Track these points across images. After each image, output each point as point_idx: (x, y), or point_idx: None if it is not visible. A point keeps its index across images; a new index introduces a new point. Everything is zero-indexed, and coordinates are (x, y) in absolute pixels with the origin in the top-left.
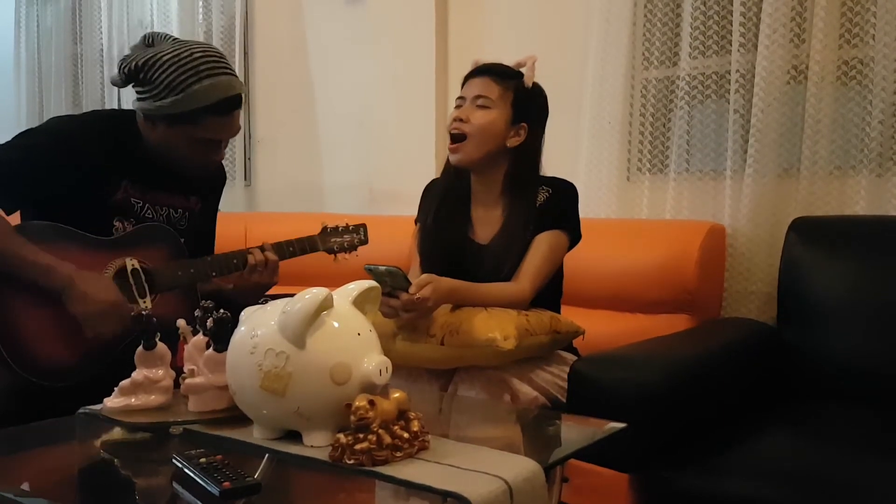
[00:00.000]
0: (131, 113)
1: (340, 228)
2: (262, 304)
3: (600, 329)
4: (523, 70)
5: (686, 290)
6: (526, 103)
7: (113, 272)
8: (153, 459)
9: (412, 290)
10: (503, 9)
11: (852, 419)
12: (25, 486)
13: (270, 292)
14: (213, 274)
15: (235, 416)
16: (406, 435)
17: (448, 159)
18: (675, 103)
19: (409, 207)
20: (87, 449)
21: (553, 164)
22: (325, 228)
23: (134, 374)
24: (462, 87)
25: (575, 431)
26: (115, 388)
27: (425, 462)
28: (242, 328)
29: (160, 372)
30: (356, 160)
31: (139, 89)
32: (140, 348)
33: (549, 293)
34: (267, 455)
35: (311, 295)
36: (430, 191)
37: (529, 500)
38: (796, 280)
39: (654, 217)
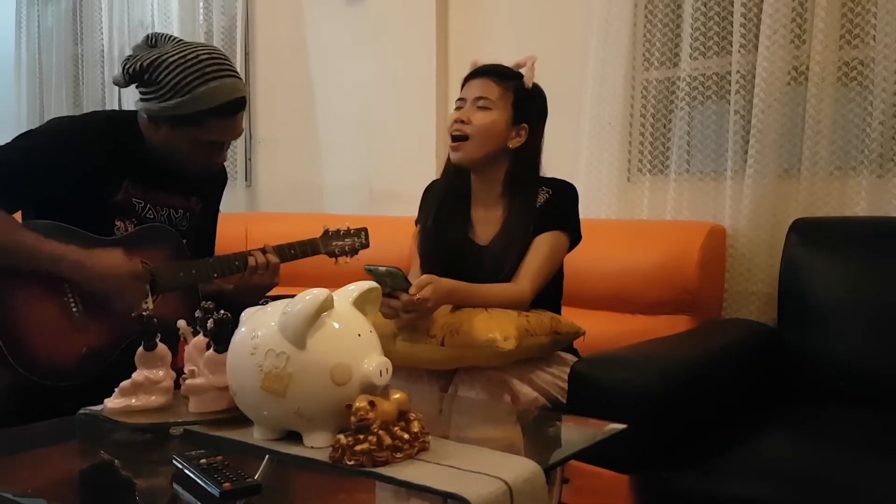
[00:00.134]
0: (132, 114)
1: (342, 232)
2: (262, 304)
3: (600, 330)
4: (523, 71)
5: (686, 291)
6: (526, 104)
7: None
8: (153, 460)
9: (412, 290)
10: (503, 9)
11: (852, 420)
12: (25, 488)
13: (271, 293)
14: (215, 275)
15: (236, 417)
16: (406, 436)
17: (448, 159)
18: (675, 104)
19: (410, 208)
20: (87, 449)
21: (553, 164)
22: (326, 231)
23: (134, 375)
24: (462, 89)
25: (575, 432)
26: (116, 389)
27: (425, 463)
28: (243, 329)
29: (161, 373)
30: (356, 160)
31: (143, 90)
32: (140, 349)
33: (550, 294)
34: (267, 456)
35: (312, 296)
36: (430, 192)
37: (530, 501)
38: (797, 281)
39: (654, 218)
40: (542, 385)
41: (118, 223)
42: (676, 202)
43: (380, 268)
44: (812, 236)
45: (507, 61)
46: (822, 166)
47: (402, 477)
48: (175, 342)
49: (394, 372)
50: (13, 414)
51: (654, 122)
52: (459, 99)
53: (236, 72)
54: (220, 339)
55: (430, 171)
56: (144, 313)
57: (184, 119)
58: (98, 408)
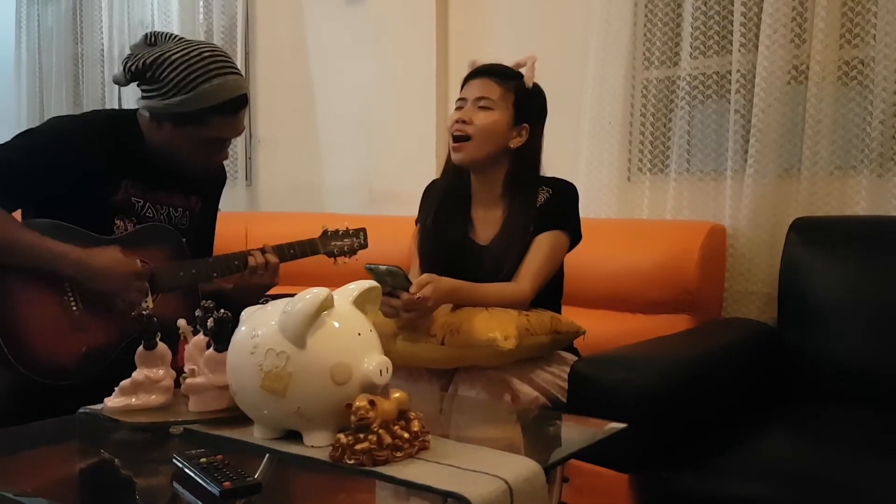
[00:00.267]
0: (132, 113)
1: (341, 232)
2: (262, 304)
3: (601, 329)
4: (523, 70)
5: (686, 291)
6: (527, 104)
7: None
8: (153, 459)
9: (413, 289)
10: (503, 9)
11: (852, 420)
12: (25, 487)
13: (271, 292)
14: (214, 275)
15: (236, 416)
16: (406, 435)
17: (448, 159)
18: (675, 103)
19: (409, 207)
20: (87, 449)
21: (553, 164)
22: (325, 232)
23: (134, 374)
24: (462, 89)
25: (575, 432)
26: (116, 388)
27: (426, 462)
28: (243, 328)
29: (161, 372)
30: (356, 160)
31: (146, 88)
32: (141, 348)
33: (550, 293)
34: (267, 455)
35: (312, 295)
36: (430, 191)
37: (530, 501)
38: (797, 280)
39: (654, 217)
40: (542, 384)
41: (118, 222)
42: (676, 202)
43: (380, 266)
44: (812, 236)
45: (507, 61)
46: (822, 166)
47: (403, 476)
48: (175, 341)
49: (394, 371)
50: (13, 413)
51: (655, 122)
52: (460, 99)
53: (238, 69)
54: (221, 338)
55: (430, 171)
56: (144, 312)
57: (187, 116)
58: (98, 407)
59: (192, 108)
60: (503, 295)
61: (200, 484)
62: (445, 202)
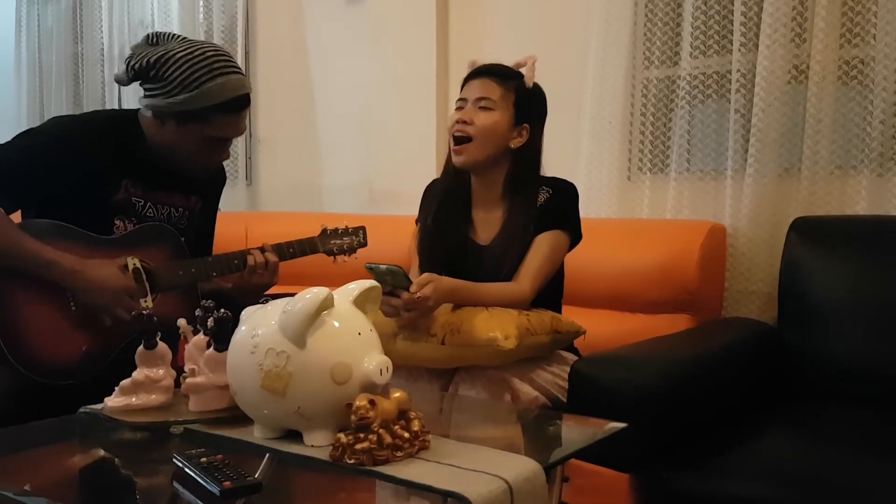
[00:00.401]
0: (132, 113)
1: (340, 231)
2: (262, 303)
3: (601, 329)
4: (523, 70)
5: (686, 290)
6: (527, 104)
7: None
8: (154, 459)
9: (413, 289)
10: (503, 9)
11: (853, 420)
12: (25, 486)
13: (271, 292)
14: (214, 274)
15: (236, 416)
16: (406, 434)
17: (448, 160)
18: (675, 103)
19: (409, 207)
20: (87, 448)
21: (553, 164)
22: (324, 230)
23: (135, 374)
24: (462, 89)
25: (575, 431)
26: (116, 388)
27: (426, 462)
28: (243, 328)
29: (161, 371)
30: (356, 160)
31: (149, 86)
32: (141, 348)
33: (550, 293)
34: (267, 455)
35: (312, 294)
36: (430, 191)
37: (530, 500)
38: (797, 280)
39: (654, 217)
40: (542, 384)
41: (118, 222)
42: (677, 201)
43: (380, 266)
44: (812, 235)
45: (507, 61)
46: (822, 165)
47: (403, 476)
48: (175, 341)
49: (394, 371)
50: (13, 414)
51: (655, 121)
52: (460, 99)
53: (241, 69)
54: (221, 337)
55: (430, 171)
56: (144, 312)
57: (190, 114)
58: (98, 406)
59: (195, 106)
60: (503, 295)
61: (200, 483)
62: (446, 202)
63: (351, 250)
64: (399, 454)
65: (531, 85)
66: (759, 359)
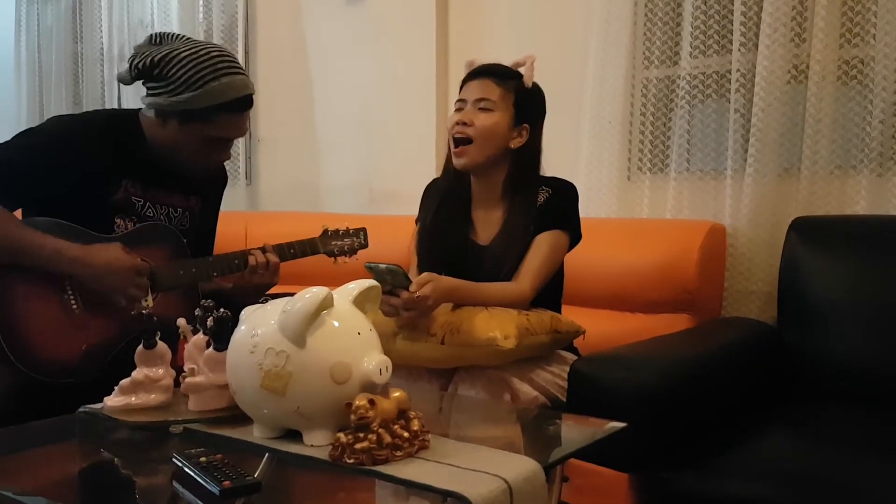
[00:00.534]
0: (133, 112)
1: (341, 232)
2: (262, 303)
3: (600, 329)
4: (522, 70)
5: (686, 290)
6: (527, 103)
7: None
8: (153, 458)
9: (413, 288)
10: (503, 9)
11: (853, 420)
12: (26, 485)
13: (271, 291)
14: (215, 274)
15: (235, 416)
16: (406, 434)
17: (448, 160)
18: (675, 103)
19: (409, 207)
20: (87, 448)
21: (553, 164)
22: (325, 231)
23: (134, 373)
24: (461, 90)
25: (575, 431)
26: (116, 387)
27: (425, 461)
28: (243, 327)
29: (160, 371)
30: (356, 160)
31: (152, 85)
32: (140, 347)
33: (550, 293)
34: (267, 454)
35: (312, 294)
36: (430, 191)
37: (529, 500)
38: (797, 280)
39: (654, 217)
40: (542, 384)
41: (118, 221)
42: (676, 201)
43: (380, 265)
44: (812, 235)
45: (507, 61)
46: (822, 165)
47: (402, 475)
48: (175, 340)
49: (394, 370)
50: (13, 413)
51: (655, 121)
52: (459, 100)
53: (245, 70)
54: (220, 337)
55: (430, 171)
56: (144, 311)
57: (193, 114)
58: (98, 406)
59: (199, 105)
60: (503, 294)
61: (200, 483)
62: (446, 202)
63: (352, 251)
64: (399, 454)
65: (530, 84)
66: (758, 359)
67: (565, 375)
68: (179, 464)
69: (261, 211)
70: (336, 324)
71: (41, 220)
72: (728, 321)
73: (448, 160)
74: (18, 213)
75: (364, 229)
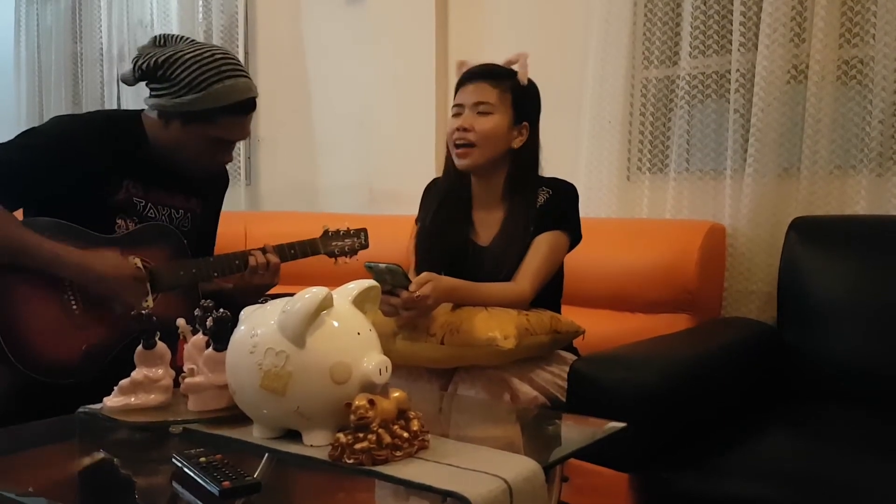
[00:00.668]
0: (134, 113)
1: (342, 232)
2: (261, 303)
3: (600, 329)
4: (515, 68)
5: (686, 290)
6: (524, 101)
7: None
8: (153, 459)
9: (412, 288)
10: (503, 9)
11: (852, 420)
12: (25, 486)
13: (271, 292)
14: (215, 274)
15: (235, 416)
16: (406, 434)
17: (448, 160)
18: (675, 103)
19: (409, 207)
20: (86, 448)
21: (553, 164)
22: (326, 232)
23: (134, 374)
24: (456, 94)
25: (575, 431)
26: (115, 388)
27: (425, 461)
28: (242, 327)
29: (160, 371)
30: (356, 160)
31: (156, 86)
32: (140, 347)
33: (550, 293)
34: (267, 454)
35: (311, 294)
36: (430, 191)
37: (529, 500)
38: (796, 280)
39: (654, 217)
40: (541, 384)
41: (119, 222)
42: (676, 201)
43: (380, 265)
44: (812, 235)
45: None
46: (821, 165)
47: (402, 475)
48: (174, 340)
49: (393, 370)
50: (13, 414)
51: (654, 121)
52: (456, 105)
53: (248, 73)
54: (220, 337)
55: (430, 171)
56: (144, 311)
57: (197, 115)
58: (97, 406)
59: (202, 107)
60: (503, 294)
61: (200, 483)
62: (446, 203)
63: (352, 252)
64: (398, 454)
65: (525, 82)
66: (758, 359)
67: (565, 375)
68: (179, 464)
69: (261, 211)
70: (336, 324)
71: (42, 221)
72: (728, 321)
73: (448, 160)
74: (19, 214)
75: (365, 230)
